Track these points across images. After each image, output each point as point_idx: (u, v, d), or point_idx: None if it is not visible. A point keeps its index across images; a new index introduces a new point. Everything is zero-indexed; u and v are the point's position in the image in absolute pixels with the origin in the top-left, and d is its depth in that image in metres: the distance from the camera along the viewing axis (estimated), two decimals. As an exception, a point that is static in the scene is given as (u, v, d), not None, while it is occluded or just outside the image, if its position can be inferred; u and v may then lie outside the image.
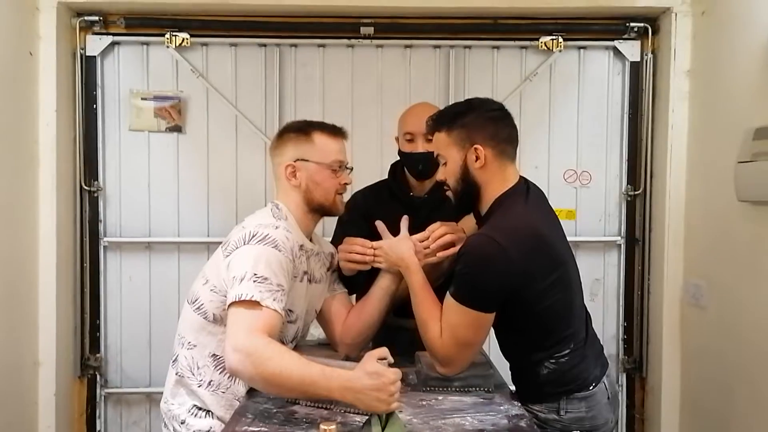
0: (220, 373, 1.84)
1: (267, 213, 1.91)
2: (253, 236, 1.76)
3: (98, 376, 3.29)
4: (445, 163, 1.86)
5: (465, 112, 1.83)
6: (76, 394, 3.26)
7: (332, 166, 1.92)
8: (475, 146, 1.79)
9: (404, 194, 2.33)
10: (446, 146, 1.84)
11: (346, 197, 2.12)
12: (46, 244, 3.01)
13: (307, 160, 1.91)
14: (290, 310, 1.86)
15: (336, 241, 2.23)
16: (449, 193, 1.89)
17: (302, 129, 1.95)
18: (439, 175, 1.90)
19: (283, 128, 2.02)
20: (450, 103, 2.12)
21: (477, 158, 1.79)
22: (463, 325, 1.73)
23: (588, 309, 1.95)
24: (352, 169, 2.01)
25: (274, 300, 1.67)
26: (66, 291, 3.13)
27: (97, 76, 3.21)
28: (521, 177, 1.87)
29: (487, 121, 1.81)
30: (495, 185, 1.81)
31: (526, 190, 1.83)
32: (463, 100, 1.95)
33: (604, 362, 1.90)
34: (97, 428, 3.30)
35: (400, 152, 2.32)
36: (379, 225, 2.06)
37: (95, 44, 3.19)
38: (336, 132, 1.96)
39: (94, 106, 3.22)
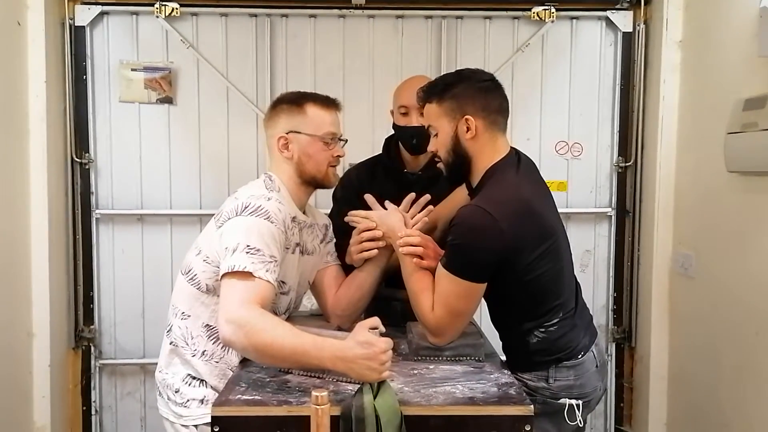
0: (213, 343, 1.87)
1: (260, 184, 1.91)
2: (246, 207, 1.77)
3: (92, 348, 3.30)
4: (436, 135, 1.87)
5: (455, 83, 1.83)
6: (71, 365, 3.28)
7: (324, 138, 1.92)
8: (466, 117, 1.79)
9: (398, 170, 2.34)
10: (437, 117, 1.84)
11: (340, 170, 2.12)
12: (38, 216, 3.00)
13: (299, 132, 1.91)
14: (283, 282, 1.87)
15: (333, 218, 2.24)
16: (440, 165, 1.90)
17: (295, 101, 1.95)
18: (431, 146, 1.90)
19: (276, 99, 2.01)
20: (441, 74, 2.11)
21: (468, 129, 1.80)
22: (455, 294, 1.75)
23: (578, 279, 1.97)
24: (346, 141, 2.01)
25: (267, 271, 1.68)
26: (59, 263, 3.14)
27: (86, 47, 3.18)
28: (512, 148, 1.88)
29: (477, 92, 1.81)
30: (486, 156, 1.82)
31: (517, 161, 1.84)
32: (454, 70, 1.95)
33: (593, 332, 1.93)
34: (92, 399, 3.33)
35: (394, 125, 2.32)
36: (369, 198, 2.06)
37: (84, 14, 3.15)
38: (329, 104, 1.95)
39: (84, 77, 3.19)
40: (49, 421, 3.06)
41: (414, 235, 1.93)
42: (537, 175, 1.92)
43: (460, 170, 1.86)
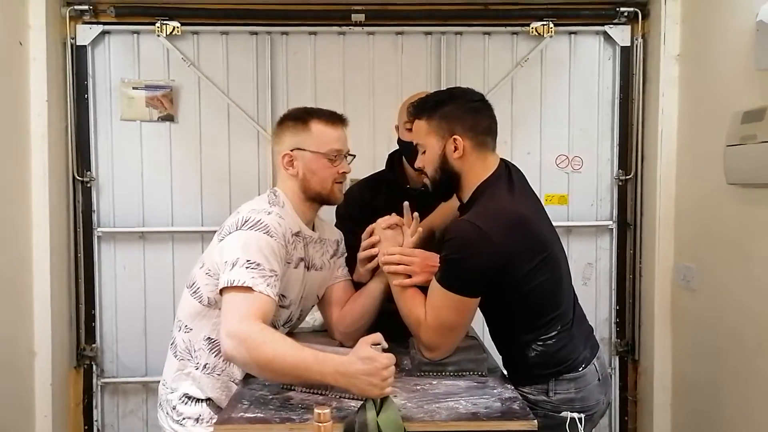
0: (215, 356, 1.87)
1: (263, 199, 1.92)
2: (246, 222, 1.78)
3: (94, 366, 3.30)
4: (424, 152, 1.87)
5: (445, 102, 1.84)
6: (73, 384, 3.27)
7: (329, 155, 1.92)
8: (454, 137, 1.81)
9: (401, 185, 2.34)
10: (425, 135, 1.85)
11: (347, 185, 2.12)
12: (40, 235, 3.00)
13: (303, 150, 1.91)
14: (283, 296, 1.87)
15: None
16: (426, 181, 1.90)
17: (300, 117, 1.94)
18: (418, 162, 1.91)
19: (282, 116, 2.01)
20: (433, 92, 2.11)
21: (455, 149, 1.81)
22: (447, 308, 1.75)
23: (579, 292, 1.97)
24: (354, 156, 2.00)
25: (267, 285, 1.69)
26: (60, 281, 3.14)
27: (87, 66, 3.20)
28: (501, 160, 1.88)
29: (466, 112, 1.83)
30: (476, 173, 1.83)
31: (508, 174, 1.84)
32: (445, 88, 1.96)
33: (593, 344, 1.92)
34: (94, 418, 3.32)
35: (399, 141, 2.34)
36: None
37: (85, 33, 3.18)
38: (335, 120, 1.95)
39: (86, 95, 3.21)
40: (51, 440, 3.05)
41: (394, 254, 1.93)
42: (528, 187, 1.91)
43: (448, 187, 1.87)
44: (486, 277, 1.72)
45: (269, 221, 1.79)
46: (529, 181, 1.93)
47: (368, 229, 2.04)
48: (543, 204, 1.95)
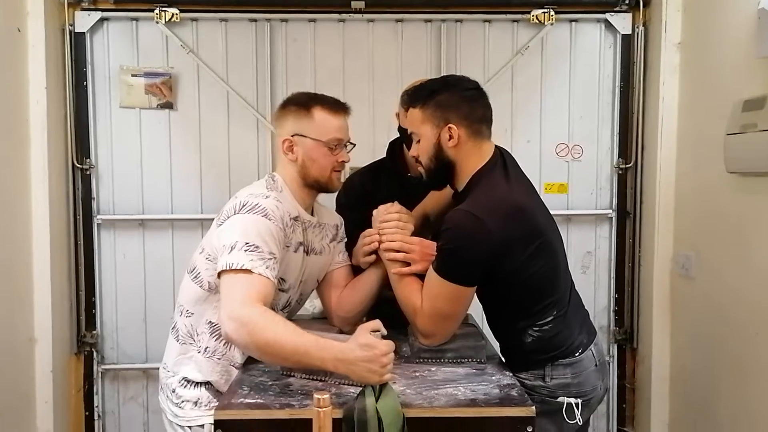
0: (215, 340, 1.88)
1: (261, 184, 1.93)
2: (244, 206, 1.78)
3: (95, 353, 3.31)
4: (418, 141, 1.87)
5: (440, 90, 1.83)
6: (73, 370, 3.28)
7: (330, 143, 1.91)
8: (449, 125, 1.80)
9: (401, 174, 2.34)
10: (420, 123, 1.85)
11: (346, 173, 2.12)
12: (40, 222, 3.00)
13: (304, 136, 1.91)
14: (282, 279, 1.88)
15: None
16: (420, 169, 1.90)
17: (303, 103, 1.94)
18: (412, 151, 1.91)
19: (285, 100, 2.00)
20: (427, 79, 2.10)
21: (450, 137, 1.80)
22: (443, 297, 1.76)
23: (578, 281, 1.97)
24: (354, 145, 2.00)
25: (266, 268, 1.69)
26: (60, 269, 3.14)
27: (86, 53, 3.19)
28: (496, 147, 1.87)
29: (462, 101, 1.82)
30: (471, 162, 1.82)
31: (503, 162, 1.84)
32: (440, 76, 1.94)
33: (590, 330, 1.93)
34: (95, 404, 3.33)
35: (399, 128, 2.33)
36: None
37: (84, 20, 3.16)
38: (338, 108, 1.94)
39: (84, 83, 3.20)
40: (52, 427, 3.07)
41: (395, 240, 1.94)
42: (522, 174, 1.91)
43: (443, 176, 1.87)
44: (483, 267, 1.72)
45: (267, 205, 1.79)
46: (523, 169, 1.92)
47: (366, 231, 2.04)
48: (540, 191, 1.94)
